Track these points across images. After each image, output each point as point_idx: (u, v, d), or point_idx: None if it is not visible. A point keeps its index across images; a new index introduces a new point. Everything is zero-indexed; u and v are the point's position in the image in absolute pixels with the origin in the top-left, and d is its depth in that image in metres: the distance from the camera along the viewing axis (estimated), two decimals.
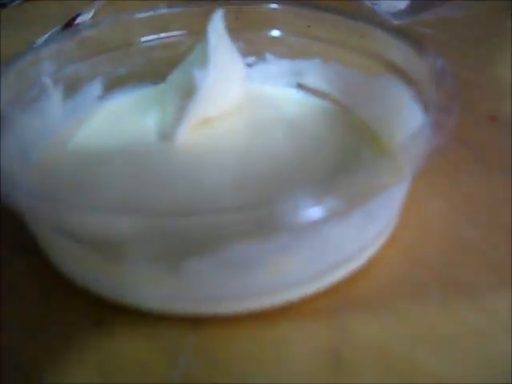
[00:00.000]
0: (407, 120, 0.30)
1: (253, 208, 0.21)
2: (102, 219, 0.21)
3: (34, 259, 0.28)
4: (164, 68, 0.36)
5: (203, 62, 0.32)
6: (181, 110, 0.32)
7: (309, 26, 0.37)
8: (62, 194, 0.29)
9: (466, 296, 0.26)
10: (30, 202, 0.22)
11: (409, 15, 0.54)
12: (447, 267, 0.27)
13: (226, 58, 0.33)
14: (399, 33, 0.32)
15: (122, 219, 0.21)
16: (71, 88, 0.35)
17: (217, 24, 0.32)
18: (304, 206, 0.21)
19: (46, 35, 0.50)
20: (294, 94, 0.37)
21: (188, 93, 0.32)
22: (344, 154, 0.32)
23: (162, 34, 0.37)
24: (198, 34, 0.34)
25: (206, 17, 0.33)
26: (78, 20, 0.52)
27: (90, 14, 0.54)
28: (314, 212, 0.21)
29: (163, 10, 0.36)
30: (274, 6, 0.37)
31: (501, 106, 0.40)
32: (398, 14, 0.54)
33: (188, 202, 0.28)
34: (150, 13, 0.36)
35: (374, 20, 0.34)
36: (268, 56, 0.38)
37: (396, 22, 0.53)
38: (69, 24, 0.51)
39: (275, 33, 0.37)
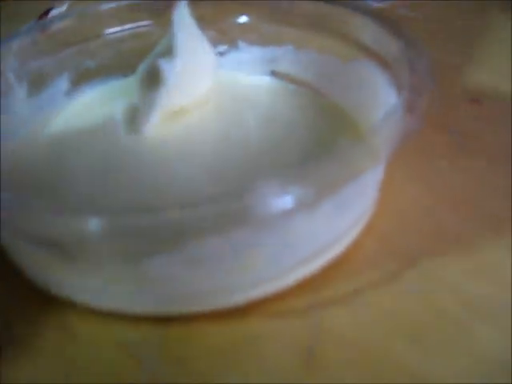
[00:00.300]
0: (383, 104, 0.29)
1: (217, 202, 0.20)
2: (60, 220, 0.20)
3: None
4: (133, 59, 0.35)
5: (170, 52, 0.31)
6: (148, 103, 0.31)
7: (287, 12, 0.36)
8: (23, 194, 0.28)
9: (444, 286, 0.25)
10: None
11: None
12: (425, 256, 0.26)
13: (193, 47, 0.32)
14: (373, 16, 0.31)
15: (82, 219, 0.20)
16: (37, 84, 0.34)
17: (182, 13, 0.31)
18: (270, 198, 0.20)
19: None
20: (268, 82, 0.36)
21: (155, 84, 0.31)
22: (320, 141, 0.31)
23: (130, 25, 0.36)
24: (167, 23, 0.33)
25: (175, 6, 0.32)
26: (51, 15, 0.51)
27: (63, 9, 0.53)
28: (281, 203, 0.20)
29: (130, 1, 0.35)
30: None
31: (484, 90, 0.39)
32: None
33: (159, 195, 0.28)
34: (117, 4, 0.35)
35: (348, 3, 0.33)
36: (241, 44, 0.37)
37: (377, 5, 0.51)
38: (41, 18, 0.50)
39: (247, 20, 0.36)
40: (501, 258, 0.26)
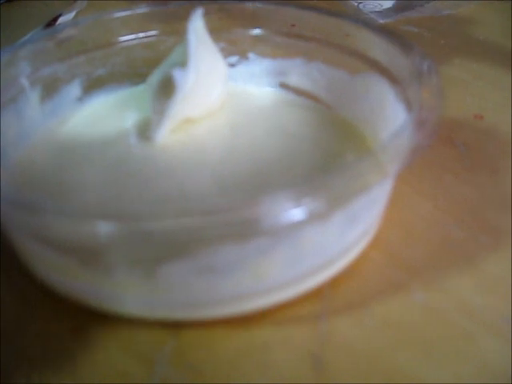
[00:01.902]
0: (391, 119, 0.30)
1: (231, 211, 0.20)
2: (75, 224, 0.20)
3: (9, 264, 0.27)
4: (144, 68, 0.36)
5: (183, 62, 0.31)
6: (161, 111, 0.31)
7: (293, 25, 0.36)
8: (37, 198, 0.28)
9: (449, 297, 0.26)
10: (3, 208, 0.21)
11: (394, 14, 0.53)
12: (431, 268, 0.27)
13: (206, 57, 0.32)
14: (383, 31, 0.32)
15: (96, 224, 0.20)
16: (50, 89, 0.34)
17: (197, 23, 0.31)
18: (283, 209, 0.20)
19: (27, 36, 0.50)
20: (278, 94, 0.37)
21: (168, 93, 0.31)
22: (328, 154, 0.31)
23: (142, 34, 0.36)
24: (178, 33, 0.33)
25: (186, 16, 0.32)
26: (60, 20, 0.52)
27: (72, 15, 0.53)
28: (293, 215, 0.21)
29: (142, 10, 0.35)
30: (257, 4, 0.36)
31: (487, 105, 0.40)
32: (384, 13, 0.53)
33: (168, 203, 0.28)
34: (129, 12, 0.35)
35: (358, 18, 0.33)
36: (251, 55, 0.37)
37: (381, 21, 0.52)
38: (50, 24, 0.51)
39: (258, 32, 0.36)
40: (504, 270, 0.27)
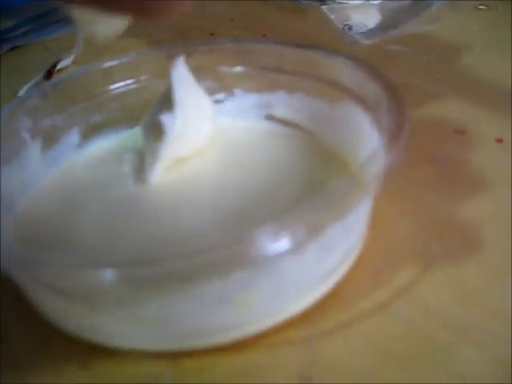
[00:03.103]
0: (368, 144, 0.31)
1: (216, 249, 0.22)
2: (76, 274, 0.22)
3: (20, 305, 0.29)
4: (138, 112, 0.38)
5: (170, 105, 0.33)
6: (153, 154, 0.34)
7: (280, 55, 0.38)
8: (42, 249, 0.30)
9: (431, 313, 0.27)
10: (11, 260, 0.23)
11: (379, 34, 0.55)
12: (413, 285, 0.28)
13: (191, 99, 0.34)
14: (355, 60, 0.34)
15: (98, 272, 0.22)
16: (50, 139, 0.36)
17: (179, 69, 0.34)
18: (264, 244, 0.22)
19: (29, 84, 0.52)
20: (264, 126, 0.39)
21: (158, 137, 0.33)
22: (312, 181, 0.33)
23: (133, 80, 0.38)
24: (166, 76, 0.35)
25: (172, 59, 0.34)
26: (59, 66, 0.54)
27: (70, 59, 0.55)
28: (274, 248, 0.22)
29: (130, 58, 0.38)
30: (237, 44, 0.38)
31: (468, 120, 0.41)
32: (368, 34, 0.55)
33: (165, 241, 0.30)
34: (118, 61, 0.37)
35: (331, 50, 0.35)
36: (237, 91, 0.39)
37: (367, 42, 0.54)
38: (50, 71, 0.53)
39: (242, 69, 0.39)
40: (483, 283, 0.28)
